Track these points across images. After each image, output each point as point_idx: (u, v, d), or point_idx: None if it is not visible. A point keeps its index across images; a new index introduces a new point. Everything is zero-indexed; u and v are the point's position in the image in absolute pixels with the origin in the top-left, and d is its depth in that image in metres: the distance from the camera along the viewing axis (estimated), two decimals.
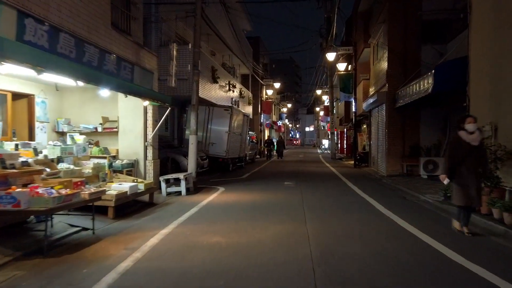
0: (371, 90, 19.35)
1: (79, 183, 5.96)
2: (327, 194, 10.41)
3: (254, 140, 26.16)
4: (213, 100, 17.55)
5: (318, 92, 39.60)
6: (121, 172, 9.53)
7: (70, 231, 6.05)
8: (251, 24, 30.62)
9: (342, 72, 20.53)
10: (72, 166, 7.52)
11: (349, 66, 20.79)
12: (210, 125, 16.47)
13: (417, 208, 8.41)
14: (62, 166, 7.27)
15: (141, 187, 8.23)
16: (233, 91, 22.00)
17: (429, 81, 9.80)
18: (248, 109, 28.67)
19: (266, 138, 30.51)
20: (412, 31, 14.78)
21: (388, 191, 11.11)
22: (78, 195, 5.47)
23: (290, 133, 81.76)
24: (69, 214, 6.29)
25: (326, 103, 39.59)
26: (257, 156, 27.52)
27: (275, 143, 29.80)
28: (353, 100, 20.28)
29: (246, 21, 28.47)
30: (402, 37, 14.84)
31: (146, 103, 9.58)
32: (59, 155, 7.69)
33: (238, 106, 23.15)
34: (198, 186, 11.62)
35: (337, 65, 20.50)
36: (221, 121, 16.46)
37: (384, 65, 15.69)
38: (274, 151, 29.60)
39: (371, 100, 17.46)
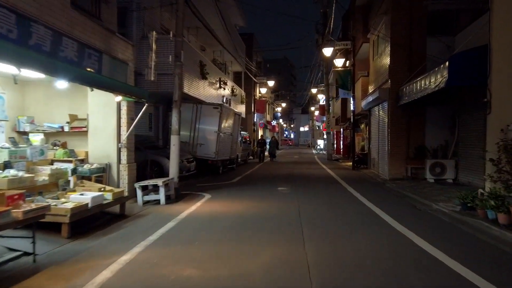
0: (371, 88, 18.20)
1: (16, 196, 4.66)
2: (327, 202, 9.18)
3: (247, 140, 24.92)
4: (202, 98, 16.29)
5: (314, 90, 38.43)
6: (89, 178, 8.24)
7: (7, 257, 4.76)
8: (244, 20, 29.37)
9: (339, 68, 19.34)
10: (21, 173, 6.22)
11: (347, 62, 19.62)
12: (198, 125, 15.19)
13: (432, 220, 7.20)
14: (7, 173, 5.97)
15: (109, 196, 6.95)
16: (224, 89, 20.74)
17: (443, 74, 8.60)
18: (241, 108, 27.41)
19: (259, 138, 28.32)
20: (417, 23, 13.61)
21: (394, 198, 9.90)
22: (7, 214, 4.18)
23: (285, 133, 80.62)
24: (2, 237, 4.97)
25: (322, 102, 38.47)
26: (250, 157, 26.24)
27: (268, 144, 27.78)
28: (351, 98, 19.10)
29: (238, 16, 27.19)
30: (406, 29, 13.66)
31: (119, 98, 8.28)
32: (6, 159, 6.39)
33: (229, 105, 21.90)
34: (181, 192, 10.35)
35: (334, 60, 19.32)
36: (210, 120, 15.19)
37: (386, 59, 14.52)
38: (267, 152, 27.62)
39: (371, 98, 16.28)
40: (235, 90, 23.88)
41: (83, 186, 7.30)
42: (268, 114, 48.03)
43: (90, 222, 6.55)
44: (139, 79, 13.95)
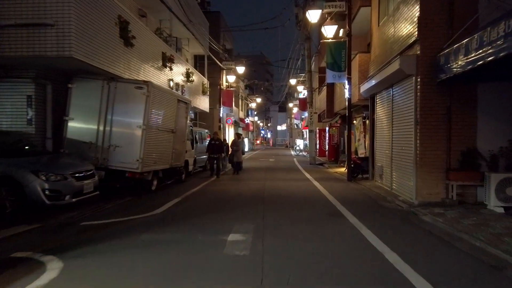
0: (373, 68, 12.86)
1: None
2: None
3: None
4: (126, 76, 10.55)
5: (292, 82, 33.03)
6: None
7: None
8: None
9: (329, 40, 13.91)
10: None
11: (340, 32, 14.23)
12: (110, 115, 9.42)
13: None
14: None
15: None
16: (171, 69, 14.99)
17: None
18: (202, 101, 21.77)
19: (211, 137, 15.65)
20: None
21: (483, 272, 4.46)
22: None
23: (261, 132, 75.33)
24: None
25: (302, 95, 33.23)
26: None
27: (228, 146, 17.24)
28: (347, 81, 13.71)
29: None
30: None
31: None
32: None
33: (182, 93, 16.22)
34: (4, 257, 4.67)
35: (323, 28, 13.89)
36: (131, 108, 9.49)
37: (409, 14, 9.18)
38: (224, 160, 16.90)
39: (377, 79, 10.95)
40: (191, 75, 18.15)
41: None
42: (242, 110, 42.44)
43: None
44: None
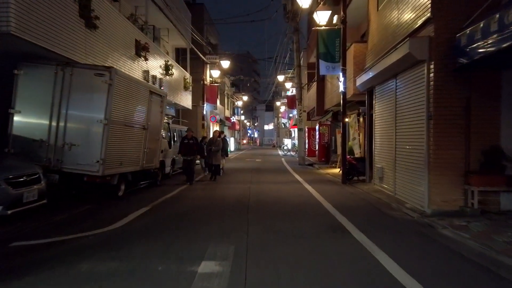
0: (370, 59, 11.56)
1: None
2: None
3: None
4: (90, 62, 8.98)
5: (280, 78, 31.66)
6: None
7: None
8: None
9: (322, 28, 12.55)
10: None
11: (334, 18, 12.89)
12: (65, 107, 7.86)
13: None
14: None
15: None
16: (147, 59, 13.44)
17: None
18: (184, 98, 20.19)
19: (185, 135, 12.56)
20: None
21: None
22: None
23: (248, 131, 73.93)
24: None
25: (290, 93, 31.89)
26: (197, 162, 18.78)
27: (205, 147, 13.54)
28: (341, 73, 12.36)
29: None
30: None
31: None
32: None
33: (161, 87, 14.66)
34: None
35: (315, 14, 12.53)
36: (90, 99, 7.94)
37: None
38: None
39: (372, 72, 9.66)
40: (170, 68, 16.59)
41: None
42: (228, 109, 40.92)
43: None
44: None
